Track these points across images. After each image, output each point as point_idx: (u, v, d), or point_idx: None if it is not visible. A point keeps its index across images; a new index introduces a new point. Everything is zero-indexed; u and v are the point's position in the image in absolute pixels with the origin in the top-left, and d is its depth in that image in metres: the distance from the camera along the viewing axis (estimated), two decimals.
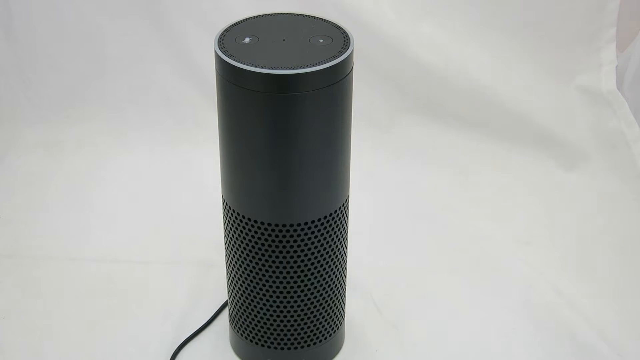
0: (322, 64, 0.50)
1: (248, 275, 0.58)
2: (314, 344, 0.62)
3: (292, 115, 0.51)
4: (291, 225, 0.55)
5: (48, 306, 0.71)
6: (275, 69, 0.49)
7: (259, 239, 0.56)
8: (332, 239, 0.57)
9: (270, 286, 0.58)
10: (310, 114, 0.51)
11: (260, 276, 0.58)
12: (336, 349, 0.66)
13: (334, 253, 0.58)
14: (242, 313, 0.61)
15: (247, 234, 0.56)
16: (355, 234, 0.73)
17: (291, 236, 0.55)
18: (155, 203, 0.86)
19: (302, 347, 0.62)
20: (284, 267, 0.57)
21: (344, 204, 0.58)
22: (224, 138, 0.55)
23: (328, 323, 0.62)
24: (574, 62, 0.98)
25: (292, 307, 0.59)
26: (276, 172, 0.53)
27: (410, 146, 0.95)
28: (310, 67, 0.50)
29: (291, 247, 0.56)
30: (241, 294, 0.60)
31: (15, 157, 0.92)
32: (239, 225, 0.56)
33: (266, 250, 0.56)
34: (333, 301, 0.61)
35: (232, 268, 0.60)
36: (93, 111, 0.97)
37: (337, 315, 0.63)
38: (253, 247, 0.56)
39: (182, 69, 0.96)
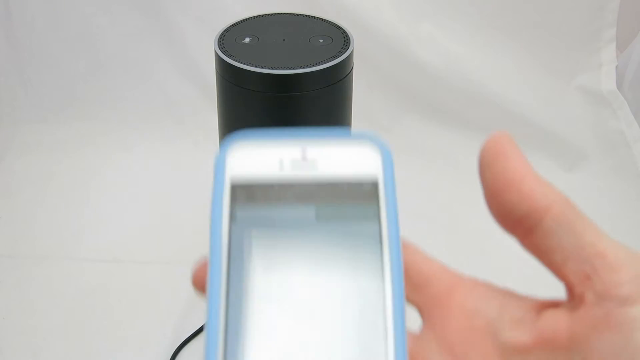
0: (322, 64, 0.50)
1: None
2: None
3: (292, 115, 0.51)
4: None
5: (48, 306, 0.71)
6: (275, 69, 0.49)
7: None
8: None
9: None
10: (310, 114, 0.51)
11: None
12: None
13: None
14: None
15: None
16: None
17: None
18: (155, 203, 0.86)
19: None
20: None
21: None
22: (224, 138, 0.55)
23: None
24: (574, 62, 0.98)
25: None
26: None
27: (410, 146, 0.95)
28: (310, 67, 0.50)
29: None
30: None
31: (15, 157, 0.92)
32: None
33: None
34: None
35: None
36: (93, 111, 0.97)
37: None
38: None
39: (182, 69, 0.96)
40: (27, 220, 0.83)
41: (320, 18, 0.57)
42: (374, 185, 0.30)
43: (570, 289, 0.26)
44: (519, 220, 0.26)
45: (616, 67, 0.98)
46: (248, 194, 0.29)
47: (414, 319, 0.30)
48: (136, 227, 0.82)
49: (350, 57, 0.52)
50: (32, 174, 0.90)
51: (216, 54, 0.52)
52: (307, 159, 0.29)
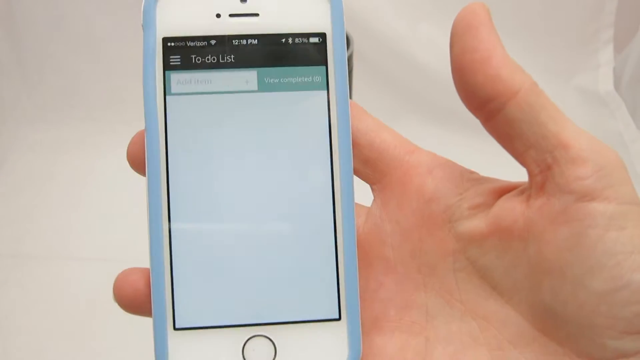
0: None
1: None
2: None
3: None
4: None
5: (48, 306, 0.71)
6: None
7: None
8: None
9: None
10: None
11: None
12: None
13: None
14: None
15: None
16: None
17: None
18: None
19: None
20: None
21: None
22: None
23: None
24: (571, 63, 0.98)
25: None
26: None
27: None
28: None
29: None
30: None
31: (17, 157, 0.93)
32: None
33: None
34: None
35: None
36: (94, 111, 0.97)
37: None
38: None
39: None
40: (28, 220, 0.83)
41: None
42: (322, 40, 0.26)
43: (531, 176, 0.25)
44: (482, 102, 0.25)
45: (614, 68, 0.99)
46: (183, 52, 0.25)
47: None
48: (137, 226, 0.82)
49: (350, 58, 0.52)
50: (33, 174, 0.90)
51: None
52: (248, 9, 0.26)
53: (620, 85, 0.99)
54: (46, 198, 0.86)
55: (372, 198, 0.28)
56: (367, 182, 0.28)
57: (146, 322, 0.75)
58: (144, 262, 0.85)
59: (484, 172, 0.95)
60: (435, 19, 0.95)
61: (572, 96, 0.98)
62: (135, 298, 0.27)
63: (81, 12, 0.94)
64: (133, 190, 0.90)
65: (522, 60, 1.04)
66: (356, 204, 0.27)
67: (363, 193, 0.29)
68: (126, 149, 0.27)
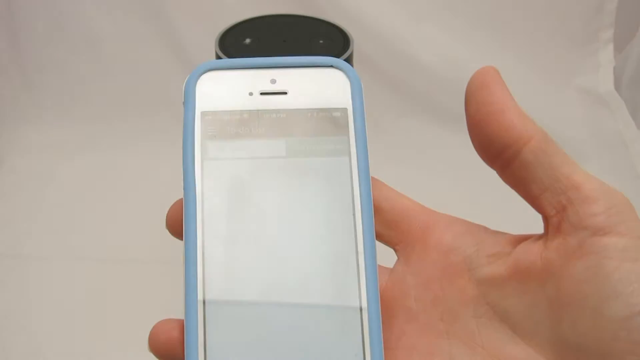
0: None
1: None
2: None
3: None
4: None
5: (49, 306, 0.71)
6: None
7: None
8: None
9: None
10: None
11: None
12: None
13: None
14: None
15: None
16: None
17: None
18: (156, 202, 0.86)
19: None
20: None
21: None
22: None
23: None
24: (572, 63, 0.98)
25: None
26: None
27: (411, 147, 0.95)
28: None
29: None
30: None
31: (17, 157, 0.93)
32: None
33: None
34: None
35: None
36: (94, 112, 0.97)
37: None
38: None
39: (182, 69, 0.96)
40: (28, 220, 0.83)
41: (320, 19, 0.57)
42: (344, 114, 0.30)
43: (547, 219, 0.26)
44: (498, 151, 0.27)
45: (614, 68, 0.99)
46: (219, 124, 0.29)
47: (387, 257, 0.31)
48: (137, 226, 0.82)
49: (350, 58, 0.52)
50: (33, 174, 0.90)
51: (217, 55, 0.52)
52: (277, 88, 0.29)
53: (620, 85, 0.99)
54: (46, 198, 0.86)
55: (395, 260, 0.30)
56: (389, 244, 0.30)
57: (146, 323, 0.75)
58: (143, 263, 0.86)
59: (483, 172, 0.94)
60: (436, 19, 0.95)
61: (572, 96, 0.98)
62: (169, 346, 0.29)
63: (81, 12, 0.94)
64: (133, 190, 0.90)
65: (523, 60, 1.03)
66: (379, 265, 0.29)
67: (387, 257, 0.30)
68: (165, 215, 0.31)
